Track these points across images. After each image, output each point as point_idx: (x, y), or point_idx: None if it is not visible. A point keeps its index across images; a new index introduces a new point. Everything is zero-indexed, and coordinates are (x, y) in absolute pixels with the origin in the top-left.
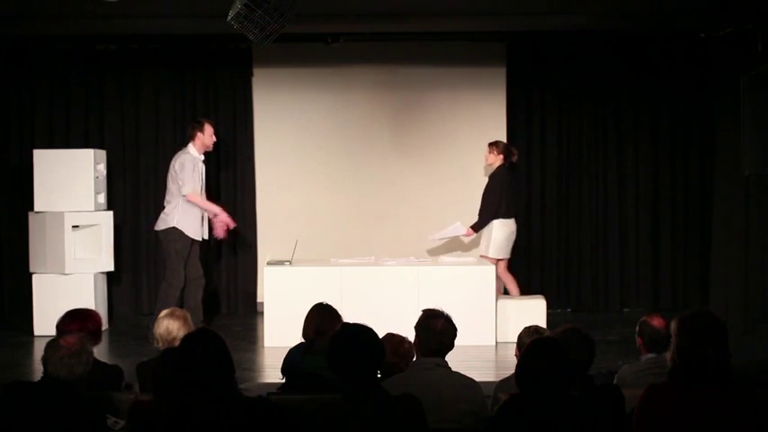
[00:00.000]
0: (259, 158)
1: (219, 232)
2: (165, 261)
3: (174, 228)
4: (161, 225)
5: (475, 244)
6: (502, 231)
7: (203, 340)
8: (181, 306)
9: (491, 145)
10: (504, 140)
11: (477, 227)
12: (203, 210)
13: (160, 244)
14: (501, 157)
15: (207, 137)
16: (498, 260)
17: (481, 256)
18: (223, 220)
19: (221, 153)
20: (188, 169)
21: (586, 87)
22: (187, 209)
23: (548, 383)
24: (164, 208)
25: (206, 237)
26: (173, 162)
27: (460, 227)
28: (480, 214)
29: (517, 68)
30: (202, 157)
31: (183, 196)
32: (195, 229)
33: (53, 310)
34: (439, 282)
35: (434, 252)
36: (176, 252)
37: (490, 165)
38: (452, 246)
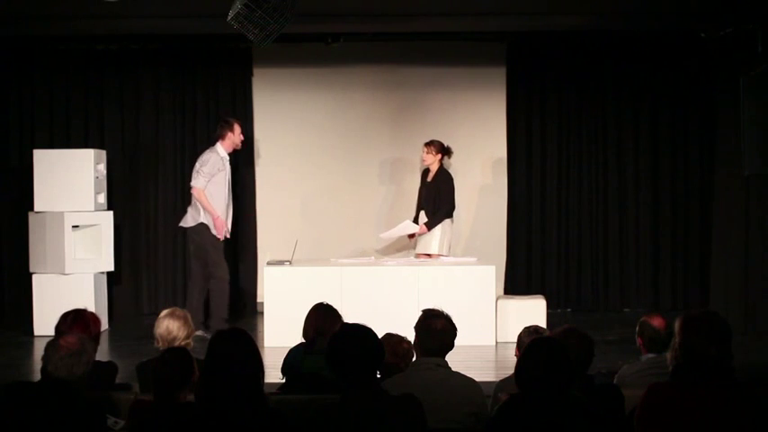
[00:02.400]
0: (259, 158)
1: (219, 234)
2: (199, 259)
3: (203, 223)
4: (189, 222)
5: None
6: (451, 230)
7: (234, 339)
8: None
9: (428, 144)
10: (504, 140)
11: (430, 225)
12: (203, 208)
13: (191, 242)
14: (438, 156)
15: (236, 136)
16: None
17: (429, 255)
18: (218, 226)
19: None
20: (209, 166)
21: (586, 87)
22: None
23: (547, 383)
24: (189, 205)
25: (228, 236)
26: (198, 159)
27: (411, 224)
28: (434, 213)
29: (517, 68)
30: (227, 157)
31: (192, 188)
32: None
33: (53, 310)
34: (439, 282)
35: (386, 252)
36: (213, 246)
37: (428, 164)
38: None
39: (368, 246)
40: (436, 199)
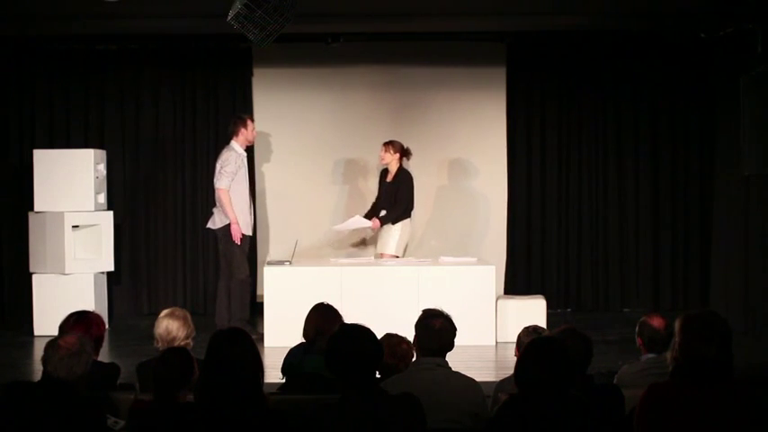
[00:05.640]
0: (258, 158)
1: (236, 239)
2: (226, 258)
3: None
4: (217, 223)
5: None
6: (409, 231)
7: (233, 339)
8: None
9: (387, 144)
10: (505, 140)
11: (383, 221)
12: (223, 210)
13: (219, 242)
14: (397, 156)
15: (249, 132)
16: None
17: (381, 255)
18: (234, 232)
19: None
20: (231, 165)
21: (586, 87)
22: (236, 204)
23: (547, 383)
24: (214, 206)
25: (249, 233)
26: (218, 159)
27: (361, 219)
28: (390, 210)
29: (517, 68)
30: (245, 154)
31: (216, 189)
32: (246, 224)
33: (53, 310)
34: (439, 282)
35: (341, 246)
36: (239, 248)
37: (386, 164)
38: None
39: (368, 246)
40: (395, 198)
